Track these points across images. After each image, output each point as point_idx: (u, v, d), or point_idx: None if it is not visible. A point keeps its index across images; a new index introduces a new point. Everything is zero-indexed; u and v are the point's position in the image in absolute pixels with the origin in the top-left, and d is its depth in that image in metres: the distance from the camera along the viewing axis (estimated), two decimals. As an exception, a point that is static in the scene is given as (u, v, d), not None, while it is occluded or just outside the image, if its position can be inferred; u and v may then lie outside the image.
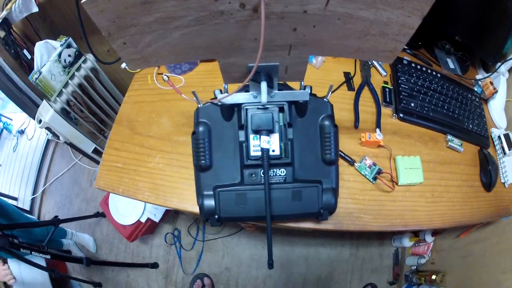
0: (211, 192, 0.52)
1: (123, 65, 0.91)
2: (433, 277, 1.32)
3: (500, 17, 0.87)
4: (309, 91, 0.51)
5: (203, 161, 0.53)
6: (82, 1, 0.37)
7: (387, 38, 0.45)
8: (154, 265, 1.64)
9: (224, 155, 0.53)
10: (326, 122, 0.53)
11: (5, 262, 1.25)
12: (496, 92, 0.99)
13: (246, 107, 0.50)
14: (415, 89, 0.89)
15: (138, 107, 0.82)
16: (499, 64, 0.97)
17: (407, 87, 0.87)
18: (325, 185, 0.53)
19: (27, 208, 2.01)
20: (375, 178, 0.69)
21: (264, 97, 0.46)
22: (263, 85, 0.45)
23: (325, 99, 0.54)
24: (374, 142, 0.71)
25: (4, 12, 1.17)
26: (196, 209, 0.62)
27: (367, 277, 1.59)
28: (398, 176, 0.72)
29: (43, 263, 1.41)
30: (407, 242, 1.52)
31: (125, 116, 0.81)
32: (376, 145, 0.72)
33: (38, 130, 2.40)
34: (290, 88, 0.53)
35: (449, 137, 0.87)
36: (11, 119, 2.65)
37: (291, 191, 0.51)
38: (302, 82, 0.51)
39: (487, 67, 1.09)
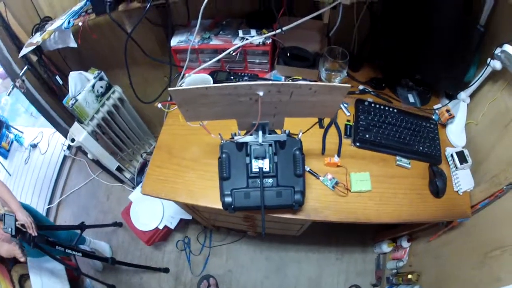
0: (229, 193, 1.00)
1: (159, 105, 1.39)
2: (409, 276, 1.68)
3: (464, 50, 1.16)
4: (286, 134, 0.99)
5: (225, 174, 1.01)
6: (169, 89, 0.84)
7: (327, 106, 0.92)
8: (166, 270, 2.08)
9: (237, 171, 1.01)
10: (297, 152, 1.01)
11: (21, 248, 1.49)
12: (453, 117, 1.31)
13: (250, 144, 0.99)
14: (371, 124, 1.33)
15: (173, 138, 1.30)
16: (459, 91, 1.29)
17: (364, 123, 1.34)
18: (296, 189, 1.01)
19: (42, 217, 2.43)
20: (333, 187, 1.17)
21: (260, 139, 0.96)
22: (260, 133, 0.95)
23: (297, 138, 1.03)
24: (333, 164, 1.20)
25: (40, 40, 1.44)
26: (217, 205, 1.09)
27: (353, 279, 2.03)
28: (351, 186, 1.19)
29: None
30: (385, 248, 1.94)
31: (164, 143, 1.30)
32: (335, 165, 1.21)
33: (52, 145, 2.84)
34: (275, 133, 1.01)
35: (398, 157, 1.27)
36: (22, 132, 3.07)
37: (276, 192, 0.99)
38: (282, 129, 1.00)
39: (449, 95, 1.40)
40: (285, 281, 2.03)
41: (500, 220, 1.17)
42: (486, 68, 1.16)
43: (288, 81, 1.44)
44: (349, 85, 0.84)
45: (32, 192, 2.63)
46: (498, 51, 1.08)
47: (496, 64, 1.11)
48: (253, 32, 1.37)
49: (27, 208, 1.62)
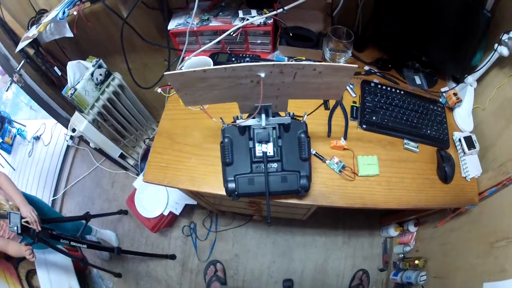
0: (233, 178, 0.97)
1: (159, 90, 1.35)
2: (416, 262, 1.68)
3: (470, 34, 1.15)
4: (291, 117, 0.96)
5: (227, 159, 0.98)
6: (165, 73, 0.81)
7: (332, 89, 0.89)
8: (173, 257, 2.09)
9: (240, 155, 0.98)
10: (302, 135, 0.98)
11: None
12: (461, 101, 1.29)
13: (253, 127, 0.95)
14: (378, 105, 1.30)
15: (174, 123, 1.27)
16: (466, 75, 1.29)
17: (371, 104, 1.30)
18: (302, 173, 0.97)
19: (48, 208, 2.43)
20: (340, 171, 1.14)
21: (263, 122, 0.92)
22: (263, 116, 0.91)
23: (302, 121, 0.99)
24: (340, 147, 1.16)
25: (35, 33, 1.46)
26: (220, 192, 1.07)
27: (359, 263, 2.02)
28: (358, 170, 1.16)
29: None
30: (392, 232, 1.93)
31: (165, 129, 1.27)
32: (342, 148, 1.17)
33: (55, 136, 2.83)
34: (279, 115, 0.97)
35: (406, 141, 1.24)
36: (25, 126, 3.06)
37: (281, 177, 0.96)
38: (286, 112, 0.96)
39: (456, 78, 1.39)
40: (291, 265, 2.03)
41: (507, 210, 1.15)
42: (493, 54, 1.14)
43: (292, 61, 1.39)
44: (356, 66, 0.80)
45: (37, 185, 2.63)
46: (505, 37, 1.06)
47: (503, 51, 1.09)
48: (253, 12, 1.32)
49: (32, 200, 1.62)
